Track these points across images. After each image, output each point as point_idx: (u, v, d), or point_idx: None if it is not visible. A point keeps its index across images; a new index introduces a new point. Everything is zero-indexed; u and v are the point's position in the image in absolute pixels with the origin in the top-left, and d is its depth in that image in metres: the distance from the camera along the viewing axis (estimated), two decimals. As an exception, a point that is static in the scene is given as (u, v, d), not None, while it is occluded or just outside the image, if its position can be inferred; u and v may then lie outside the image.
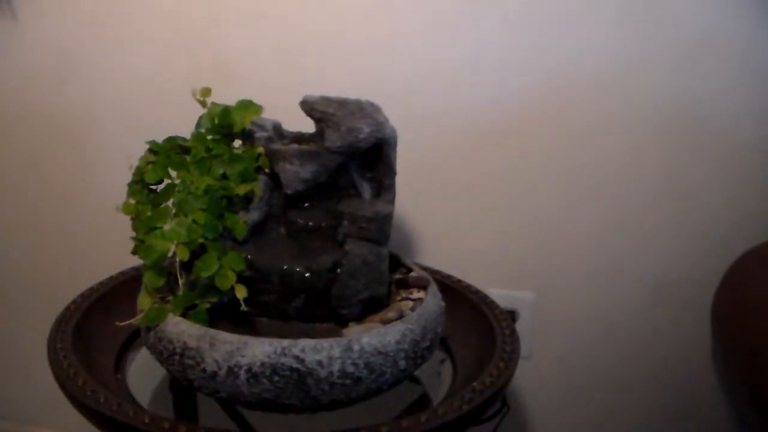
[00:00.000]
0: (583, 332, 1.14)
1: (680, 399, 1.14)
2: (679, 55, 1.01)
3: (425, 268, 0.96)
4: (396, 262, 0.90)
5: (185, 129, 0.83)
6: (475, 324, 0.92)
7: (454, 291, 0.97)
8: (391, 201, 0.84)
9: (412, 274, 0.88)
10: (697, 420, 1.15)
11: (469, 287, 0.99)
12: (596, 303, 1.13)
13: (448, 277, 1.01)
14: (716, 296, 1.04)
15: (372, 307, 0.81)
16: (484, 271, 1.12)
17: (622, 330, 1.13)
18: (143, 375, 0.88)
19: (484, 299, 0.96)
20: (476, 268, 1.12)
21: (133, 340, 0.90)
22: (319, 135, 0.82)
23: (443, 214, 1.13)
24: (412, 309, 0.80)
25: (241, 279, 0.75)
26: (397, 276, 0.89)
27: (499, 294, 1.05)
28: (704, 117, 1.03)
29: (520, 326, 1.10)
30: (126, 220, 0.78)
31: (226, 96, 0.84)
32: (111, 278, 0.97)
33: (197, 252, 0.75)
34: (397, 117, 0.84)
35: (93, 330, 0.87)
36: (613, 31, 1.01)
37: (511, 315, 1.11)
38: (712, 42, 1.00)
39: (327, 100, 0.81)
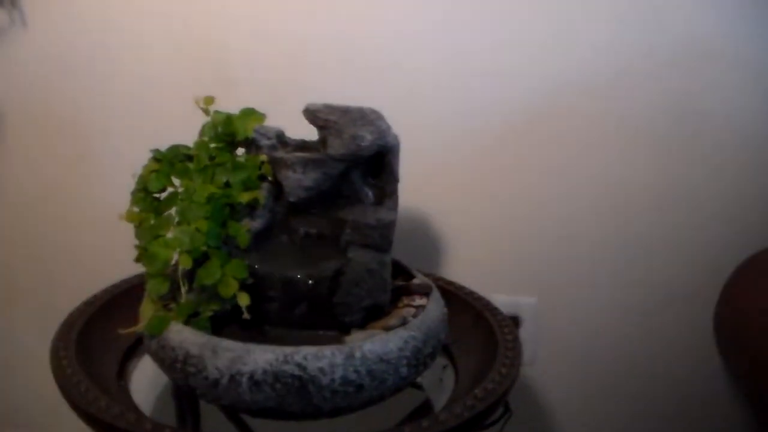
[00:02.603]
0: (586, 338, 1.14)
1: (684, 405, 1.14)
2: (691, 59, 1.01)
3: (428, 275, 0.96)
4: (398, 269, 0.90)
5: (189, 137, 0.83)
6: (478, 330, 0.92)
7: (456, 297, 0.97)
8: (394, 208, 0.84)
9: (415, 280, 0.89)
10: (700, 427, 1.14)
11: (471, 294, 0.99)
12: (600, 309, 1.13)
13: (451, 283, 1.01)
14: (718, 304, 1.04)
15: (374, 314, 0.81)
16: (488, 277, 1.12)
17: (626, 336, 1.13)
18: (146, 382, 0.88)
19: (487, 305, 0.96)
20: (479, 274, 1.11)
21: (135, 347, 0.90)
22: (321, 143, 0.82)
23: (446, 220, 1.13)
24: (415, 316, 0.80)
25: (243, 287, 0.75)
26: (400, 283, 0.88)
27: (503, 300, 1.05)
28: (707, 124, 1.03)
29: (524, 332, 1.10)
30: (129, 228, 0.78)
31: (229, 104, 0.84)
32: (114, 286, 0.97)
33: (200, 260, 0.75)
34: (399, 124, 0.84)
35: (96, 337, 0.87)
36: (617, 35, 1.02)
37: (515, 321, 1.11)
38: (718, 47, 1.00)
39: (330, 108, 0.81)
